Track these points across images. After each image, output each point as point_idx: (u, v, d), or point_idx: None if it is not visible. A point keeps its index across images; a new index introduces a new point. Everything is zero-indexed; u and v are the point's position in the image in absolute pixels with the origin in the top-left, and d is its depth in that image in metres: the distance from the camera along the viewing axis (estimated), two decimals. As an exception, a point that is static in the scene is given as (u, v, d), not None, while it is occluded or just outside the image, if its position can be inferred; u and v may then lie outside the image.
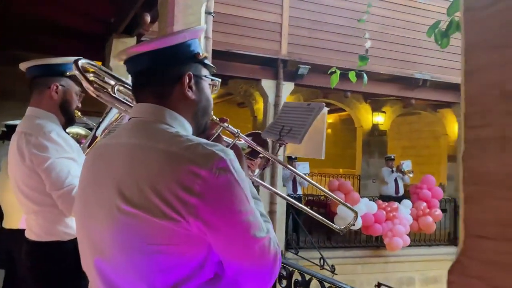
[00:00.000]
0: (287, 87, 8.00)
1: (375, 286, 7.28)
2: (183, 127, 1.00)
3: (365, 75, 2.97)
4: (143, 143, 0.92)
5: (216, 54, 6.94)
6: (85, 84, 1.16)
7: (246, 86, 9.25)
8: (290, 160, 8.45)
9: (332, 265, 6.99)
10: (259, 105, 8.94)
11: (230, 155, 0.90)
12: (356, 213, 1.77)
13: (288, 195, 8.01)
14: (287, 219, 7.98)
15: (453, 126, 10.61)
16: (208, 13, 3.18)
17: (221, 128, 1.19)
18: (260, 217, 0.93)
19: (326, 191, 1.70)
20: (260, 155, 1.37)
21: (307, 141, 1.31)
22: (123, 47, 3.27)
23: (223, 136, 1.23)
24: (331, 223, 1.58)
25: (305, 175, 8.37)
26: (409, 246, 8.19)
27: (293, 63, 7.86)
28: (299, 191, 8.42)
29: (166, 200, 0.85)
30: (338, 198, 1.73)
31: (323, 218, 1.58)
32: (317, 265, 7.08)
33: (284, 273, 1.82)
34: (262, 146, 1.35)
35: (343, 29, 8.19)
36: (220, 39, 7.00)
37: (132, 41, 5.29)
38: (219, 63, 7.48)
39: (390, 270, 8.26)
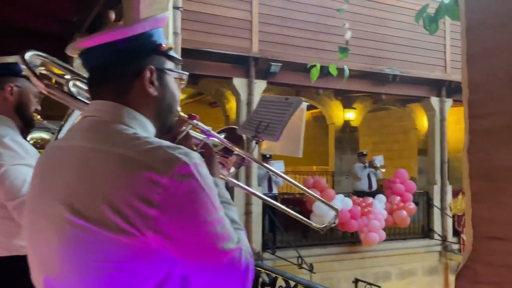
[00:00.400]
0: (260, 85, 7.92)
1: (353, 282, 7.32)
2: (144, 127, 0.90)
3: (346, 68, 2.89)
4: (97, 147, 0.83)
5: (185, 52, 6.77)
6: (33, 79, 1.03)
7: (217, 85, 9.10)
8: (265, 159, 8.38)
9: (311, 264, 6.95)
10: (232, 104, 8.82)
11: (195, 158, 0.81)
12: (337, 211, 1.71)
13: (264, 194, 7.92)
14: (263, 220, 7.91)
15: (422, 120, 10.82)
16: (176, 8, 3.05)
17: (190, 125, 1.08)
18: (231, 225, 0.85)
19: (308, 190, 1.63)
20: (235, 152, 1.27)
21: (284, 138, 1.22)
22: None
23: (194, 133, 1.12)
24: (310, 222, 1.50)
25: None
26: (385, 240, 8.27)
27: (264, 60, 7.78)
28: (275, 190, 8.37)
29: (120, 212, 0.76)
30: (320, 198, 1.65)
31: (305, 218, 1.50)
32: (295, 264, 7.03)
33: (267, 279, 1.72)
34: (237, 143, 1.24)
35: (314, 26, 8.18)
36: (188, 37, 6.82)
37: (96, 40, 5.07)
38: (188, 62, 7.29)
39: (367, 265, 8.31)
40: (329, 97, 11.09)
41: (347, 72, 2.95)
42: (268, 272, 1.76)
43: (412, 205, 8.65)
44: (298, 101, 1.22)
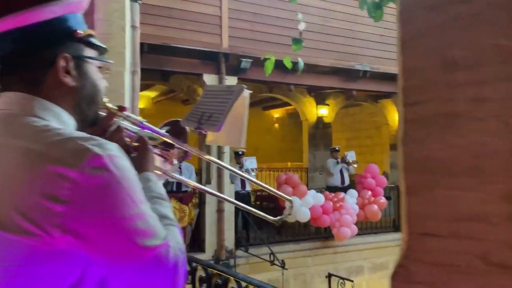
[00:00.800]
0: (230, 82, 7.82)
1: (326, 277, 7.35)
2: (59, 119, 0.83)
3: (300, 61, 2.85)
4: (1, 142, 0.76)
5: (153, 48, 6.63)
6: None
7: (188, 82, 8.96)
8: (238, 155, 8.31)
9: (282, 260, 6.94)
10: (203, 101, 8.69)
11: (110, 150, 0.74)
12: (291, 202, 1.86)
13: (237, 191, 7.88)
14: (236, 217, 7.85)
15: (393, 116, 10.97)
16: (134, 0, 2.94)
17: (121, 117, 1.02)
18: (161, 220, 0.79)
19: (259, 182, 1.60)
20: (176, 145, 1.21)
21: (227, 128, 1.15)
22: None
23: (128, 125, 1.06)
24: (265, 215, 1.46)
25: (253, 170, 8.32)
26: (357, 235, 8.34)
27: (235, 56, 7.68)
28: (248, 188, 8.30)
29: (23, 212, 0.69)
30: (273, 189, 1.62)
31: (258, 211, 1.47)
32: (267, 261, 7.01)
33: (220, 281, 1.66)
34: (180, 136, 1.18)
35: (284, 22, 8.14)
36: (156, 32, 6.68)
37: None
38: (157, 58, 7.17)
39: (339, 260, 8.37)
40: (303, 93, 11.11)
41: (301, 65, 2.91)
42: (220, 273, 1.71)
43: (383, 200, 8.75)
44: (239, 89, 1.16)
